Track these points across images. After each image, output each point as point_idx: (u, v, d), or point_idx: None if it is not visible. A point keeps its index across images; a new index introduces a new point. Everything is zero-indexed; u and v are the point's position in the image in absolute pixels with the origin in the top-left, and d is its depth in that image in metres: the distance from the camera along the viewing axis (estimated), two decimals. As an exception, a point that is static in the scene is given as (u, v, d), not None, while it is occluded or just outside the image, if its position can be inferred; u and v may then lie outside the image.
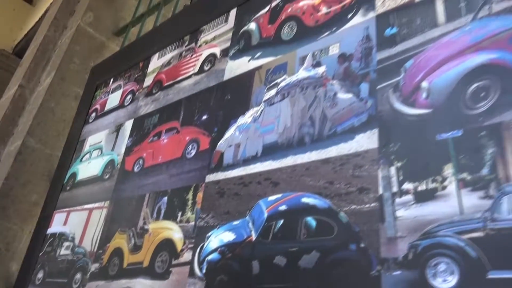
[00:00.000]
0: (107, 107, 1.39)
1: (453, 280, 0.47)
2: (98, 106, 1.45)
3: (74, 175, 1.34)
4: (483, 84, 0.53)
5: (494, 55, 0.54)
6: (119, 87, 1.39)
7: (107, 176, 1.18)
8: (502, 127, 0.49)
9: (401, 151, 0.58)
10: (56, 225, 1.28)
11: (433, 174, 0.53)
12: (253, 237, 0.70)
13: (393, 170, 0.57)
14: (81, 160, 1.35)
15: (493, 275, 0.44)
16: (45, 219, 1.34)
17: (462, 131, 0.53)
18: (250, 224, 0.72)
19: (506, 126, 0.49)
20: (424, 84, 0.59)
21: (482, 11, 0.58)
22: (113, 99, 1.38)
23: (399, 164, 0.57)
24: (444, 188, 0.52)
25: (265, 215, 0.70)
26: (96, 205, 1.15)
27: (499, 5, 0.56)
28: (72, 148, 1.44)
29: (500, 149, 0.49)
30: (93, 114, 1.45)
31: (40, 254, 1.26)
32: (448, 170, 0.52)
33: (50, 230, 1.29)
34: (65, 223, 1.25)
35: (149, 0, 1.87)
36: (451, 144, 0.53)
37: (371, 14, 0.72)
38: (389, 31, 0.68)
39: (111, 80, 1.47)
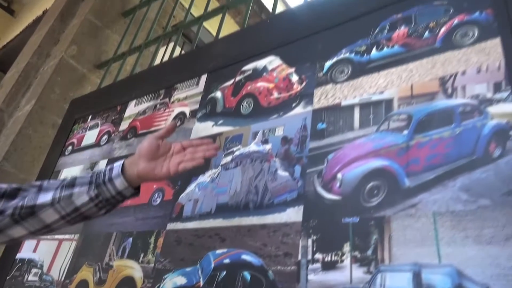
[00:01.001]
0: (84, 143, 1.52)
1: (339, 333, 0.64)
2: (75, 140, 1.57)
3: (47, 204, 1.45)
4: (376, 184, 0.72)
5: (386, 162, 0.73)
6: (96, 125, 1.53)
7: None
8: (384, 220, 0.68)
9: (317, 227, 0.75)
10: (26, 251, 1.38)
11: (336, 249, 0.71)
12: (201, 283, 0.85)
13: (310, 241, 0.75)
14: (54, 191, 1.46)
15: (365, 332, 0.61)
16: (15, 244, 1.43)
17: (359, 219, 0.71)
18: (200, 272, 0.87)
19: (387, 219, 0.67)
20: (339, 175, 0.78)
21: (383, 125, 0.77)
22: (90, 136, 1.51)
23: (314, 237, 0.75)
24: (342, 261, 0.69)
25: (212, 265, 0.86)
26: (67, 236, 1.27)
27: (394, 123, 0.76)
28: (47, 177, 1.55)
29: (380, 237, 0.67)
30: (70, 148, 1.57)
31: (8, 277, 1.36)
32: (347, 247, 0.70)
33: (19, 255, 1.39)
34: (34, 250, 1.35)
35: (132, 39, 2.03)
36: (351, 227, 0.71)
37: (309, 108, 0.91)
38: (320, 125, 0.87)
39: (90, 117, 1.60)
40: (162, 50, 1.93)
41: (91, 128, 1.55)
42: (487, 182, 0.61)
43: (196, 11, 1.97)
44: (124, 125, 1.41)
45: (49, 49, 2.17)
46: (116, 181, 0.74)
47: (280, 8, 1.80)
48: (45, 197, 0.72)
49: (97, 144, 1.46)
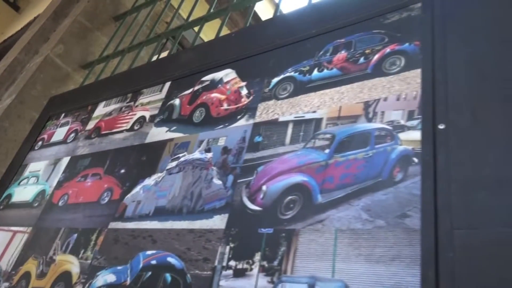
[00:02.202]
0: (53, 139, 1.55)
1: None
2: (45, 136, 1.61)
3: (9, 196, 1.48)
4: (294, 198, 0.75)
5: (306, 178, 0.76)
6: (67, 123, 1.56)
7: (36, 204, 1.33)
8: (294, 233, 0.70)
9: (236, 236, 0.78)
10: (-18, 240, 1.40)
11: (248, 257, 0.73)
12: (128, 282, 0.87)
13: (228, 248, 0.77)
14: (19, 184, 1.49)
15: None
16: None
17: (273, 230, 0.73)
18: (129, 271, 0.89)
19: (296, 233, 0.70)
20: (264, 187, 0.80)
21: (310, 143, 0.81)
22: (59, 133, 1.54)
23: (232, 245, 0.77)
24: (251, 269, 0.71)
25: (140, 265, 0.88)
26: (21, 229, 1.29)
27: (319, 142, 0.79)
28: (14, 170, 1.58)
29: (288, 249, 0.69)
30: (40, 143, 1.60)
31: (-38, 264, 1.37)
32: (257, 256, 0.72)
33: (-25, 244, 1.41)
34: (-10, 240, 1.37)
35: (118, 43, 2.08)
36: (264, 238, 0.73)
37: (251, 121, 0.94)
38: (257, 139, 0.90)
39: (63, 115, 1.64)
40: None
41: (62, 125, 1.58)
42: (386, 204, 0.64)
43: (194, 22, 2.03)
44: (91, 125, 1.44)
45: (38, 47, 2.23)
46: None
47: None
48: None
49: (64, 141, 1.49)
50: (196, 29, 1.67)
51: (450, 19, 0.77)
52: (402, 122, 0.71)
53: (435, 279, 0.53)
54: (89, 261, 1.00)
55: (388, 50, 0.82)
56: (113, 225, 1.02)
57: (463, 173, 0.60)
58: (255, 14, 3.04)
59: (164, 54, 2.38)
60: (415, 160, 0.65)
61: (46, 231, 1.19)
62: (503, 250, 0.51)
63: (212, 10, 1.68)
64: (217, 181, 0.90)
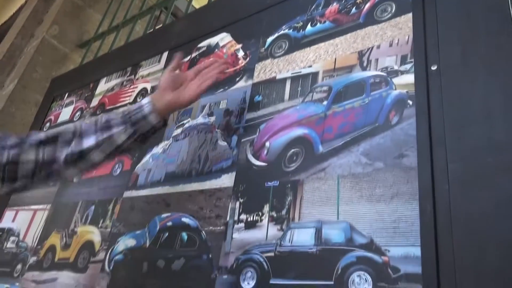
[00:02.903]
0: (60, 120, 1.59)
1: (252, 283, 0.71)
2: (52, 117, 1.64)
3: (25, 177, 1.53)
4: (296, 151, 0.78)
5: (306, 131, 0.78)
6: (71, 102, 1.59)
7: (51, 183, 1.38)
8: (298, 183, 0.74)
9: (245, 191, 0.82)
10: (6, 222, 1.47)
11: (258, 210, 0.77)
12: (147, 244, 0.93)
13: (238, 204, 0.81)
14: (32, 165, 1.54)
15: (272, 281, 0.68)
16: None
17: (278, 182, 0.77)
18: (147, 234, 0.95)
19: (300, 183, 0.74)
20: (267, 143, 0.83)
21: (308, 97, 0.83)
22: (65, 113, 1.58)
23: (242, 200, 0.81)
24: (261, 220, 0.76)
25: (158, 228, 0.93)
26: (41, 206, 1.35)
27: (317, 95, 0.81)
28: (26, 153, 1.63)
29: (294, 198, 0.73)
30: (48, 124, 1.64)
31: (-10, 245, 1.45)
32: (266, 208, 0.76)
33: (0, 225, 1.48)
34: (13, 220, 1.44)
35: (112, 19, 2.07)
36: (271, 190, 0.77)
37: (250, 82, 0.96)
38: (257, 98, 0.92)
39: (66, 95, 1.66)
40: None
41: (66, 105, 1.61)
42: (383, 147, 0.67)
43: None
44: (95, 102, 1.47)
45: (32, 30, 2.22)
46: (150, 117, 0.83)
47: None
48: (89, 142, 0.80)
49: (70, 120, 1.52)
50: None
51: (439, -41, 0.77)
52: (396, 67, 0.72)
53: (432, 211, 0.57)
54: (108, 229, 1.06)
55: (379, -3, 0.82)
56: (128, 194, 1.07)
57: (454, 110, 0.62)
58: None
59: (158, 27, 2.36)
60: (410, 102, 0.67)
61: (65, 206, 1.25)
62: (492, 178, 0.54)
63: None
64: (222, 143, 0.93)
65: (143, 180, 1.06)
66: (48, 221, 1.28)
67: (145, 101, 0.84)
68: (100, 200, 1.14)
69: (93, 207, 1.15)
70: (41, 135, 0.82)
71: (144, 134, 0.84)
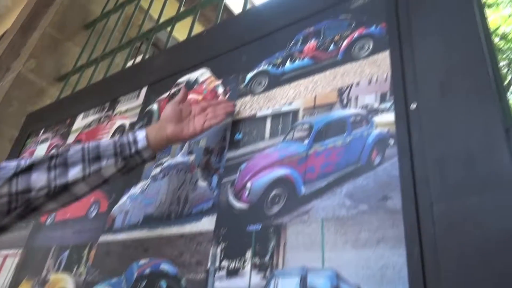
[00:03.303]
0: (35, 157, 1.53)
1: (235, 337, 0.66)
2: (26, 155, 1.58)
3: (-3, 219, 1.45)
4: (278, 192, 0.75)
5: (288, 171, 0.76)
6: (47, 139, 1.54)
7: (24, 225, 1.31)
8: (281, 227, 0.71)
9: (226, 235, 0.78)
10: (-26, 267, 1.38)
11: (240, 256, 0.73)
12: (124, 294, 0.87)
13: (219, 249, 0.77)
14: (5, 205, 1.47)
15: (256, 335, 0.64)
16: None
17: (261, 226, 0.74)
18: (124, 283, 0.89)
19: (283, 226, 0.71)
20: (248, 184, 0.81)
21: (288, 135, 0.81)
22: (40, 151, 1.52)
23: (223, 245, 0.77)
24: (244, 268, 0.72)
25: (135, 276, 0.88)
26: (11, 251, 1.28)
27: (298, 133, 0.79)
28: None
29: (277, 243, 0.70)
30: (22, 162, 1.58)
31: (-44, 293, 1.36)
32: (248, 254, 0.72)
33: (-32, 271, 1.39)
34: (-18, 266, 1.35)
35: (91, 52, 2.05)
36: (254, 235, 0.74)
37: (230, 119, 0.94)
38: (237, 136, 0.90)
39: (42, 131, 1.61)
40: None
41: (42, 142, 1.56)
42: (367, 188, 0.64)
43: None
44: (71, 139, 1.42)
45: (9, 63, 2.18)
46: (144, 152, 0.80)
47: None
48: (76, 173, 0.75)
49: (46, 157, 1.47)
50: (168, 29, 1.65)
51: (413, -3, 0.78)
52: (376, 105, 0.71)
53: (420, 255, 0.55)
54: (83, 277, 0.99)
55: (356, 34, 0.82)
56: (104, 238, 1.02)
57: (436, 149, 0.61)
58: (227, 8, 3.01)
59: (139, 57, 2.35)
60: (391, 141, 0.66)
61: (37, 251, 1.18)
62: (477, 218, 0.53)
63: (182, 9, 1.66)
64: (202, 183, 0.90)
65: (120, 223, 1.01)
66: (19, 268, 1.20)
67: (141, 135, 0.81)
68: (74, 245, 1.08)
69: (67, 253, 1.09)
70: (12, 164, 0.75)
71: (133, 168, 0.82)
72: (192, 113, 0.88)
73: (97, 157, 0.77)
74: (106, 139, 0.81)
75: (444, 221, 0.55)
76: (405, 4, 0.77)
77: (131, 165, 0.80)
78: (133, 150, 0.79)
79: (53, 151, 1.35)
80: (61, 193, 0.75)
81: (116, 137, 0.81)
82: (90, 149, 0.78)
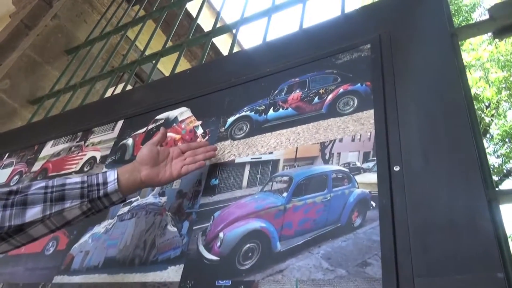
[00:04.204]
0: (-6, 182, 1.43)
1: None
2: (-14, 179, 1.48)
3: None
4: (252, 246, 0.71)
5: (264, 224, 0.73)
6: (11, 164, 1.46)
7: (-28, 256, 1.20)
8: (253, 285, 0.66)
9: (192, 289, 0.72)
10: None
11: (206, 314, 0.68)
12: None
13: (183, 304, 0.72)
14: (-47, 233, 1.35)
15: None
16: None
17: (231, 282, 0.69)
18: (75, 333, 0.81)
19: (255, 285, 0.66)
20: (221, 234, 0.76)
21: (267, 186, 0.78)
22: (2, 175, 1.43)
23: (188, 300, 0.72)
24: (209, 327, 0.66)
25: (88, 326, 0.80)
26: (-47, 285, 1.16)
27: (277, 185, 0.77)
28: (-51, 217, 1.43)
29: (247, 303, 0.65)
30: (-21, 186, 1.47)
31: None
32: (215, 313, 0.67)
33: None
34: None
35: (70, 77, 2.00)
36: (222, 291, 0.69)
37: (207, 162, 0.91)
38: (213, 181, 0.86)
39: (6, 155, 1.53)
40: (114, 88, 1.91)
41: (5, 166, 1.47)
42: (346, 251, 0.62)
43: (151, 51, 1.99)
44: (37, 166, 1.35)
45: (-19, 81, 2.09)
46: (113, 195, 0.75)
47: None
48: (34, 214, 0.68)
49: (7, 184, 1.38)
50: (153, 61, 1.64)
51: (397, 59, 0.79)
52: (358, 164, 0.70)
53: (399, 334, 0.51)
54: (30, 322, 0.90)
55: (341, 90, 0.82)
56: (58, 279, 0.93)
57: (419, 216, 0.59)
58: (214, 46, 3.05)
59: (120, 86, 2.31)
60: (373, 204, 0.64)
61: (-18, 288, 1.08)
62: (463, 299, 0.50)
63: (169, 44, 1.66)
64: (171, 228, 0.85)
65: (78, 264, 0.93)
66: (-41, 305, 1.09)
67: (111, 176, 0.75)
68: (25, 284, 0.99)
69: (15, 292, 0.99)
70: None
71: (100, 211, 0.76)
72: (169, 155, 0.84)
73: (61, 197, 0.71)
74: (73, 177, 0.75)
75: (425, 297, 0.52)
76: (390, 66, 0.78)
77: (98, 208, 0.75)
78: (101, 192, 0.73)
79: (13, 187, 1.27)
80: (16, 233, 0.68)
81: (85, 176, 0.75)
82: (55, 187, 0.71)
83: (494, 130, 7.48)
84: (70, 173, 1.20)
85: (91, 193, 0.73)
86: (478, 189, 0.57)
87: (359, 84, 0.80)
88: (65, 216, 0.71)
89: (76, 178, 0.74)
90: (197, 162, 0.83)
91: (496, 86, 7.18)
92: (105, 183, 0.74)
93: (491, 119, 7.48)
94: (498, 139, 7.43)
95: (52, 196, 0.70)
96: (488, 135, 7.51)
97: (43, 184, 0.72)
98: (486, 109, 7.41)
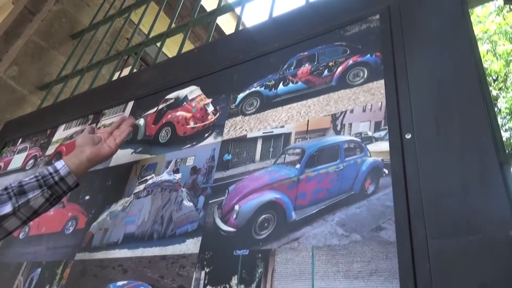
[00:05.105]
0: (10, 167, 1.46)
1: None
2: (1, 164, 1.52)
3: (-36, 231, 1.37)
4: (268, 217, 0.73)
5: (278, 195, 0.74)
6: (25, 149, 1.48)
7: (-6, 238, 1.24)
8: (270, 253, 0.69)
9: (211, 260, 0.75)
10: None
11: (225, 282, 0.71)
12: (98, 318, 0.82)
13: (203, 274, 0.74)
14: (-26, 217, 1.39)
15: None
16: None
17: (248, 251, 0.71)
18: (99, 305, 0.84)
19: (272, 253, 0.68)
20: (236, 207, 0.78)
21: (280, 158, 0.80)
22: (17, 160, 1.46)
23: (207, 270, 0.74)
24: (229, 294, 0.69)
25: (111, 298, 0.83)
26: (-22, 266, 1.20)
27: (289, 157, 0.78)
28: (-32, 202, 1.47)
29: (265, 270, 0.67)
30: (-4, 171, 1.51)
31: None
32: (234, 280, 0.70)
33: None
34: None
35: (76, 62, 2.01)
36: (240, 260, 0.71)
37: (219, 139, 0.92)
38: (226, 156, 0.88)
39: (20, 140, 1.55)
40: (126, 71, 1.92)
41: (19, 151, 1.50)
42: (360, 218, 0.63)
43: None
44: (51, 150, 1.37)
45: (-11, 69, 2.11)
46: (67, 178, 0.87)
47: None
48: (5, 209, 0.79)
49: (22, 168, 1.41)
50: (158, 44, 1.64)
51: (407, 29, 0.79)
52: (370, 133, 0.71)
53: (414, 292, 0.53)
54: (55, 297, 0.94)
55: (350, 62, 0.83)
56: (80, 256, 0.97)
57: (431, 181, 0.60)
58: (218, 28, 3.03)
59: (126, 70, 2.32)
60: (385, 171, 0.65)
61: (6, 267, 1.12)
62: (473, 257, 0.52)
63: (173, 25, 1.65)
64: (187, 203, 0.87)
65: (98, 241, 0.96)
66: (-15, 284, 1.13)
67: (60, 164, 0.87)
68: (48, 262, 1.03)
69: (39, 270, 1.03)
70: None
71: (60, 196, 0.87)
72: (102, 138, 0.98)
73: (23, 192, 0.82)
74: (26, 176, 0.86)
75: (440, 258, 0.54)
76: (399, 35, 0.78)
77: (58, 193, 0.86)
78: (56, 178, 0.85)
79: (31, 161, 1.30)
80: None
81: (36, 173, 0.86)
82: (14, 187, 0.82)
83: (502, 104, 7.40)
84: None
85: (47, 181, 0.84)
86: (490, 152, 0.58)
87: (368, 55, 0.80)
88: (32, 205, 0.82)
89: (29, 176, 0.85)
90: (125, 131, 1.00)
91: (504, 59, 7.08)
92: (56, 170, 0.86)
93: (499, 93, 7.39)
94: (506, 112, 7.36)
95: (15, 193, 0.81)
96: (496, 109, 7.44)
97: (3, 187, 0.83)
98: (494, 83, 7.33)
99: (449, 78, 0.69)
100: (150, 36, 1.70)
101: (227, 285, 0.70)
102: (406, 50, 0.76)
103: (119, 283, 0.85)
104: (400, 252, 0.56)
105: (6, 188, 0.82)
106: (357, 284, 0.58)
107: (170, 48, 3.04)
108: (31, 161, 1.40)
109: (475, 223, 0.54)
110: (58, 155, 1.32)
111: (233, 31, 1.28)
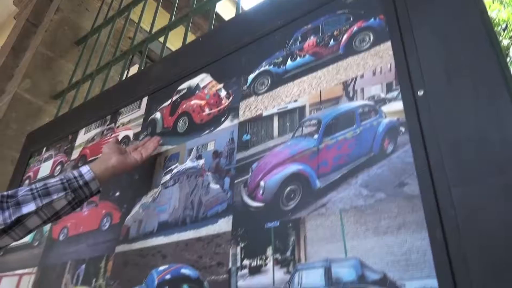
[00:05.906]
0: (39, 175, 1.53)
1: (264, 334, 0.67)
2: (31, 174, 1.58)
3: (6, 240, 1.45)
4: (293, 188, 0.76)
5: (301, 166, 0.77)
6: (50, 156, 1.54)
7: (36, 243, 1.31)
8: (300, 221, 0.72)
9: (244, 235, 0.79)
10: (-12, 290, 1.37)
11: (261, 253, 0.74)
12: (146, 302, 0.88)
13: (238, 249, 0.78)
14: (13, 226, 1.47)
15: (286, 329, 0.65)
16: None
17: (279, 222, 0.75)
18: (145, 291, 0.90)
19: (302, 221, 0.72)
20: (262, 183, 0.82)
21: (297, 131, 0.82)
22: (45, 168, 1.52)
23: (242, 245, 0.78)
24: (266, 264, 0.73)
25: (156, 283, 0.88)
26: (26, 271, 1.27)
27: (306, 129, 0.81)
28: (6, 214, 1.55)
29: (297, 238, 0.71)
30: (27, 182, 1.57)
31: (-28, 319, 1.35)
32: (269, 251, 0.73)
33: (-18, 295, 1.38)
34: (-4, 288, 1.35)
35: (85, 67, 2.05)
36: (272, 232, 0.75)
37: (236, 121, 0.95)
38: (245, 137, 0.91)
39: (44, 149, 1.61)
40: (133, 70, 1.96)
41: (45, 160, 1.56)
42: (382, 177, 0.66)
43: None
44: (75, 154, 1.42)
45: (3, 86, 2.17)
46: (91, 183, 0.90)
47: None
48: (29, 207, 0.82)
49: (51, 175, 1.47)
50: (161, 39, 1.66)
51: (408, -13, 0.79)
52: (383, 95, 0.73)
53: (443, 239, 0.56)
54: (102, 289, 1.00)
55: (355, 28, 0.84)
56: (120, 248, 1.02)
57: (448, 133, 0.62)
58: (218, 16, 3.02)
59: (133, 69, 2.35)
60: (402, 129, 0.67)
61: (53, 268, 1.18)
62: (496, 199, 0.54)
63: (173, 18, 1.67)
64: (214, 186, 0.90)
65: (134, 232, 1.01)
66: (36, 286, 1.20)
67: (85, 169, 0.90)
68: (91, 258, 1.08)
69: (83, 266, 1.09)
70: None
71: (82, 201, 0.90)
72: (128, 150, 1.02)
73: (47, 193, 0.84)
74: (52, 178, 0.88)
75: (464, 203, 0.56)
76: (401, -6, 0.79)
77: (81, 197, 0.88)
78: (81, 182, 0.88)
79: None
80: (15, 225, 0.81)
81: (61, 175, 0.89)
82: (39, 188, 0.84)
83: (514, 52, 7.20)
84: (108, 155, 1.27)
85: (72, 184, 0.87)
86: (505, 98, 0.59)
87: (372, 19, 0.81)
88: (54, 207, 0.84)
89: (55, 178, 0.88)
90: (150, 149, 1.04)
91: (511, 6, 6.85)
92: (80, 175, 0.89)
93: (510, 42, 7.19)
94: (519, 60, 7.16)
95: (40, 194, 0.83)
96: (508, 59, 7.24)
97: (28, 188, 0.85)
98: (504, 32, 7.12)
99: (455, 30, 0.69)
100: (153, 31, 1.73)
101: (263, 256, 0.74)
102: (409, 8, 0.77)
103: (161, 268, 0.90)
104: (425, 203, 0.59)
105: (31, 189, 0.85)
106: (387, 239, 0.61)
107: (173, 43, 3.06)
108: (58, 167, 1.46)
109: (495, 167, 0.56)
110: (83, 158, 1.37)
111: (235, 11, 1.30)
